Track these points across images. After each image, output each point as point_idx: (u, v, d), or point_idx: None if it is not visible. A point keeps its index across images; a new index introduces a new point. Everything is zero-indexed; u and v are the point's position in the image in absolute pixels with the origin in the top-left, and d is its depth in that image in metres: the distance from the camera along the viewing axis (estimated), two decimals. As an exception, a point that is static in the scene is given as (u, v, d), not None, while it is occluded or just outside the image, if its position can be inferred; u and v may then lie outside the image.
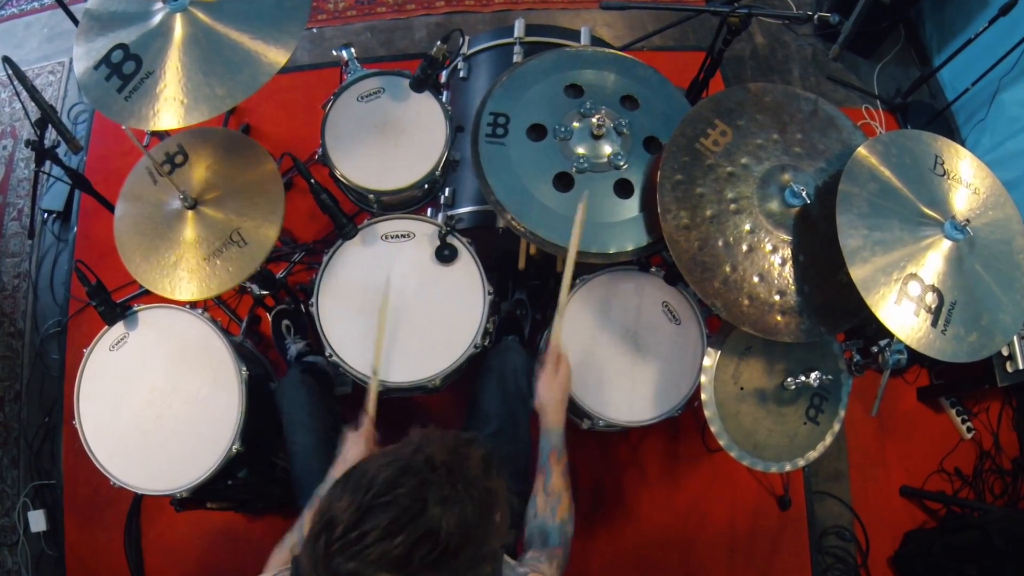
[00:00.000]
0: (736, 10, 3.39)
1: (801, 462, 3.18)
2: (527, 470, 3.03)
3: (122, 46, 2.86)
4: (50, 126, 3.24)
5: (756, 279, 2.78)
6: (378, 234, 3.31)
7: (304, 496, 2.79)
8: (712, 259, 2.76)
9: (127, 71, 2.83)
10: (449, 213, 3.47)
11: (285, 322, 4.13)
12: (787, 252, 2.82)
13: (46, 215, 4.83)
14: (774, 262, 2.80)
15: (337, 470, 2.56)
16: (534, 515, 2.51)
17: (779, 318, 2.80)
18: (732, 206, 2.82)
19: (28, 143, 3.27)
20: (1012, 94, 4.72)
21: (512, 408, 3.10)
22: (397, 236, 3.31)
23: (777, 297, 2.79)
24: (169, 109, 2.75)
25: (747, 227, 2.79)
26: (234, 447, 3.09)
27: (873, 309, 2.57)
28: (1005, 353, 4.09)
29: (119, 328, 3.24)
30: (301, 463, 3.02)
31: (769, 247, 2.81)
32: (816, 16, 3.39)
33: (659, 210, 2.78)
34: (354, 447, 2.63)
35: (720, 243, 2.78)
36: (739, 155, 2.89)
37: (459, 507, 1.53)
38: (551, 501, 2.50)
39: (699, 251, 2.77)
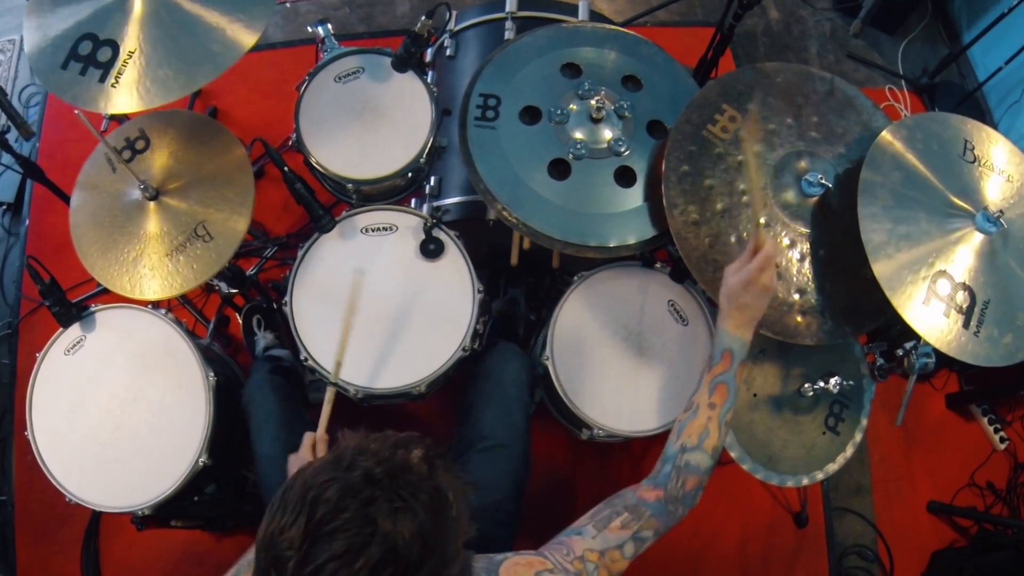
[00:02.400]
0: (748, -18, 3.39)
1: (820, 475, 3.18)
2: (526, 484, 3.07)
3: (90, 36, 2.86)
4: (-1, 110, 3.24)
5: (777, 276, 2.75)
6: (357, 227, 3.30)
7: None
8: (724, 256, 2.74)
9: (102, 59, 2.83)
10: (435, 204, 3.47)
11: (256, 316, 4.13)
12: (806, 246, 2.81)
13: (-5, 207, 4.82)
14: (792, 258, 2.80)
15: None
16: (671, 433, 2.44)
17: (799, 319, 2.80)
18: (744, 198, 2.82)
19: (-26, 128, 3.27)
20: (1049, 73, 4.73)
21: (511, 418, 3.09)
22: (378, 229, 3.30)
23: (796, 296, 2.79)
24: (159, 83, 2.77)
25: (761, 220, 2.77)
26: (201, 460, 3.07)
27: (899, 310, 2.56)
28: (1042, 356, 4.08)
29: (75, 330, 3.22)
30: (270, 478, 3.01)
31: (787, 241, 2.81)
32: (836, -12, 3.40)
33: (665, 204, 2.78)
34: None
35: (732, 239, 2.78)
36: (751, 142, 2.87)
37: (411, 515, 1.55)
38: (685, 416, 2.40)
39: (710, 248, 2.76)
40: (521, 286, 4.14)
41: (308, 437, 2.57)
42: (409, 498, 1.56)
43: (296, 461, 2.53)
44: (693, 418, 2.37)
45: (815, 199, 2.83)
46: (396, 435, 1.72)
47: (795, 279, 2.79)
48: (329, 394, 2.73)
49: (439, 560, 1.58)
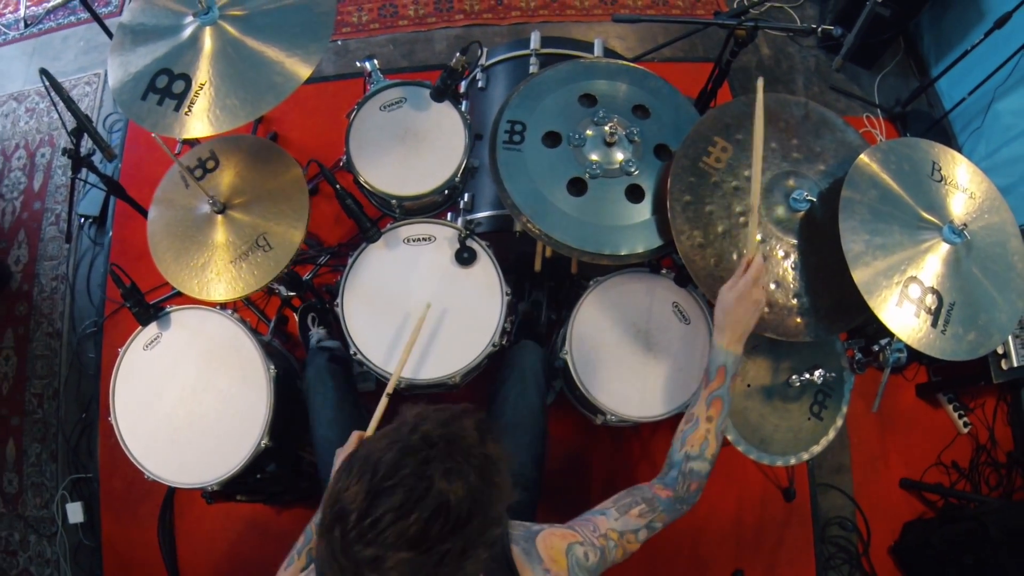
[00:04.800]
0: (743, 23, 3.39)
1: (805, 456, 3.18)
2: (543, 456, 3.10)
3: (166, 71, 2.92)
4: (86, 135, 3.25)
5: (773, 286, 2.78)
6: (400, 237, 3.32)
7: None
8: (729, 273, 2.69)
9: (177, 90, 2.89)
10: (468, 217, 3.45)
11: (311, 314, 4.14)
12: (798, 256, 2.81)
13: (83, 220, 4.84)
14: (788, 267, 2.79)
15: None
16: (674, 439, 2.46)
17: (798, 320, 2.80)
18: (742, 219, 2.81)
19: (65, 151, 3.28)
20: (1007, 103, 4.72)
21: (530, 402, 3.11)
22: (419, 239, 3.31)
23: (794, 300, 2.79)
24: (226, 111, 2.83)
25: (758, 237, 2.76)
26: (262, 442, 3.09)
27: (875, 311, 2.57)
28: (1000, 352, 4.09)
29: (152, 328, 3.24)
30: (326, 457, 3.00)
31: (781, 253, 2.80)
32: (820, 29, 3.39)
33: (673, 232, 2.78)
34: None
35: (734, 256, 2.77)
36: (741, 168, 2.88)
37: (463, 477, 1.55)
38: (686, 427, 2.42)
39: (715, 267, 2.76)
40: (543, 289, 4.13)
41: (356, 435, 2.56)
42: (462, 461, 1.57)
43: (342, 453, 2.52)
44: (694, 430, 2.40)
45: (802, 213, 2.82)
46: (453, 406, 1.72)
47: (792, 286, 2.79)
48: (383, 402, 2.73)
49: (484, 519, 1.58)
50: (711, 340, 2.55)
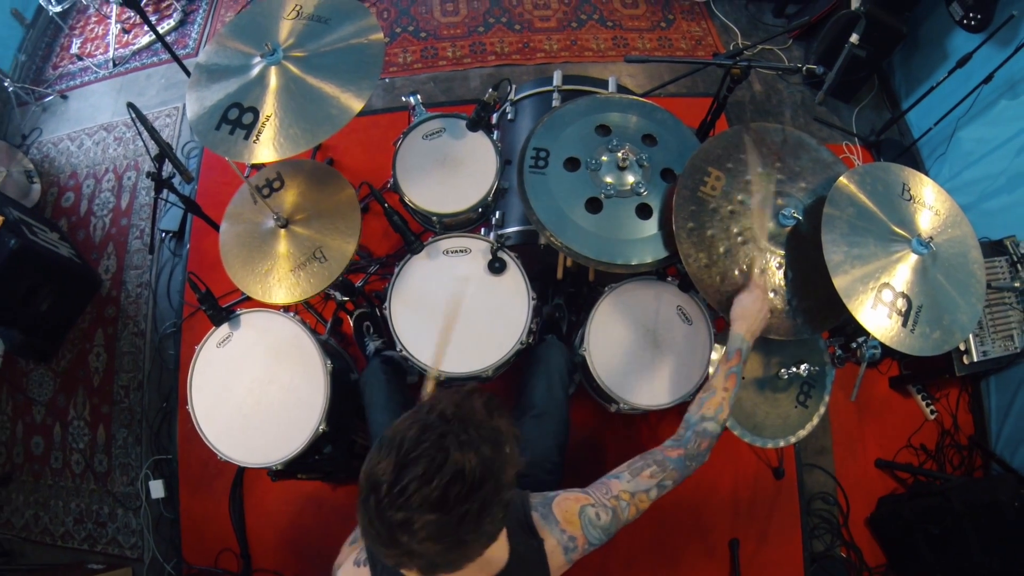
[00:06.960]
0: (738, 63, 3.39)
1: (793, 439, 3.19)
2: (566, 443, 3.10)
3: (236, 104, 2.97)
4: (167, 160, 3.28)
5: (772, 294, 2.81)
6: (440, 249, 3.33)
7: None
8: (733, 287, 2.78)
9: (246, 121, 2.93)
10: (499, 232, 3.47)
11: (366, 323, 4.15)
12: (790, 266, 2.83)
13: (164, 234, 4.87)
14: (782, 276, 2.82)
15: None
16: (691, 406, 2.51)
17: (797, 320, 2.83)
18: (739, 239, 2.83)
19: (149, 174, 3.32)
20: (968, 132, 4.72)
21: (554, 394, 3.12)
22: (456, 251, 3.33)
23: (790, 305, 2.81)
24: (289, 139, 2.87)
25: (758, 269, 2.79)
26: (320, 427, 3.11)
27: (853, 313, 2.60)
28: (962, 348, 4.08)
29: (225, 329, 3.27)
30: (379, 439, 3.04)
31: (776, 264, 2.82)
32: (804, 68, 3.39)
33: (681, 256, 2.82)
34: None
35: (736, 272, 2.80)
36: (735, 193, 2.89)
37: (475, 447, 1.61)
38: (705, 395, 2.48)
39: (721, 284, 2.78)
40: (564, 295, 4.14)
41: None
42: (474, 433, 1.63)
43: None
44: (712, 396, 2.46)
45: (789, 228, 2.83)
46: (463, 388, 1.76)
47: (787, 292, 2.82)
48: (432, 374, 2.80)
49: (496, 483, 1.63)
50: (730, 330, 2.62)
